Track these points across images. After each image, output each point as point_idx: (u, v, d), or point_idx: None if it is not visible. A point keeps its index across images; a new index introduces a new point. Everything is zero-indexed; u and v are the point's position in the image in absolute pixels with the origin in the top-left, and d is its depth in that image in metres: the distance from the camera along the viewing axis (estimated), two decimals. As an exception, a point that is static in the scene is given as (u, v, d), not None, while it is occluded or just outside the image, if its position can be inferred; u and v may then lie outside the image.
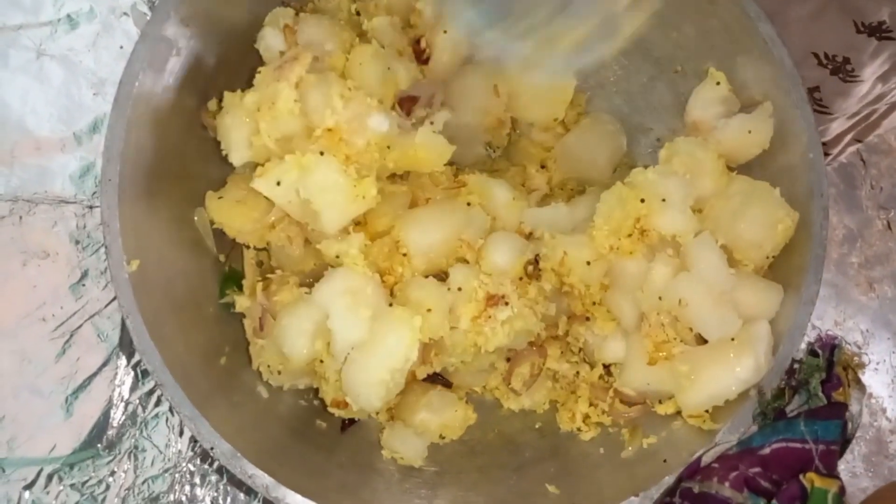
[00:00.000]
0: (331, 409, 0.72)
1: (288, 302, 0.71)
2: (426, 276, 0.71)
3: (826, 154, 1.03)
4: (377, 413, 0.73)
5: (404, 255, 0.71)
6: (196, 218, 0.73)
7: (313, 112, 0.66)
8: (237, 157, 0.69)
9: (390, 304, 0.68)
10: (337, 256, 0.69)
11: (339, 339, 0.66)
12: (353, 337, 0.66)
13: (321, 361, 0.69)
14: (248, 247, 0.76)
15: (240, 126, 0.69)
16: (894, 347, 0.90)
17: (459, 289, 0.69)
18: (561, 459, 0.73)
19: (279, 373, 0.72)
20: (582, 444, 0.74)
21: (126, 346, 0.80)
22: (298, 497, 0.63)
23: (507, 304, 0.69)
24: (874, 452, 0.86)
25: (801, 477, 0.59)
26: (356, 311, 0.66)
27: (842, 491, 0.59)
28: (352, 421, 0.75)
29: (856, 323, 0.87)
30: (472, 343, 0.69)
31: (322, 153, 0.65)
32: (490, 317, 0.68)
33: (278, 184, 0.65)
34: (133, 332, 0.64)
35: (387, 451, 0.74)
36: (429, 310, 0.67)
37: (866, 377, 0.95)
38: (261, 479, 0.63)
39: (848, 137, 1.03)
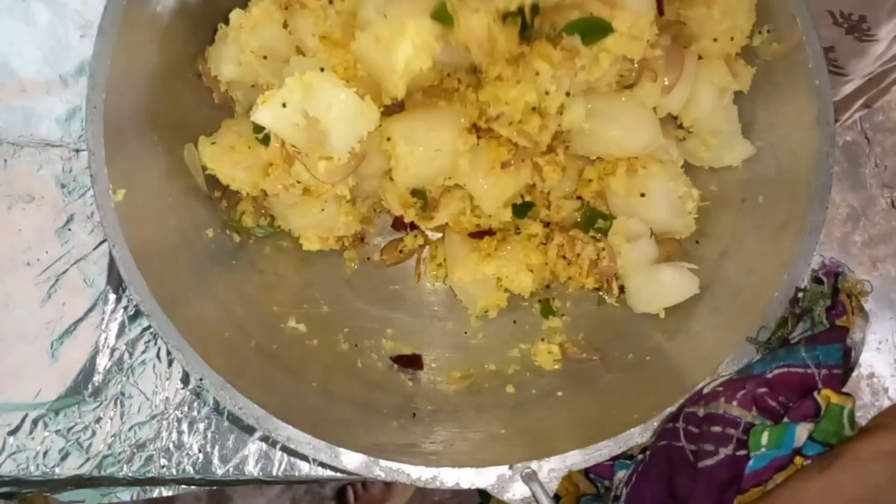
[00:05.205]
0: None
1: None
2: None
3: (836, 120, 1.01)
4: None
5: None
6: (186, 154, 0.71)
7: (302, 30, 0.65)
8: (226, 72, 0.68)
9: None
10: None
11: None
12: None
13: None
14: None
15: (229, 44, 0.67)
16: (896, 327, 0.88)
17: None
18: (559, 398, 0.71)
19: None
20: (579, 381, 0.72)
21: (114, 289, 0.78)
22: (291, 429, 0.60)
23: None
24: (876, 433, 0.85)
25: (815, 394, 0.57)
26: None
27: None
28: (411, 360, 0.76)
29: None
30: None
31: (322, 69, 0.62)
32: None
33: (284, 105, 0.61)
34: (119, 262, 0.62)
35: None
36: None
37: (868, 357, 0.93)
38: (251, 410, 0.60)
39: (858, 103, 1.00)
